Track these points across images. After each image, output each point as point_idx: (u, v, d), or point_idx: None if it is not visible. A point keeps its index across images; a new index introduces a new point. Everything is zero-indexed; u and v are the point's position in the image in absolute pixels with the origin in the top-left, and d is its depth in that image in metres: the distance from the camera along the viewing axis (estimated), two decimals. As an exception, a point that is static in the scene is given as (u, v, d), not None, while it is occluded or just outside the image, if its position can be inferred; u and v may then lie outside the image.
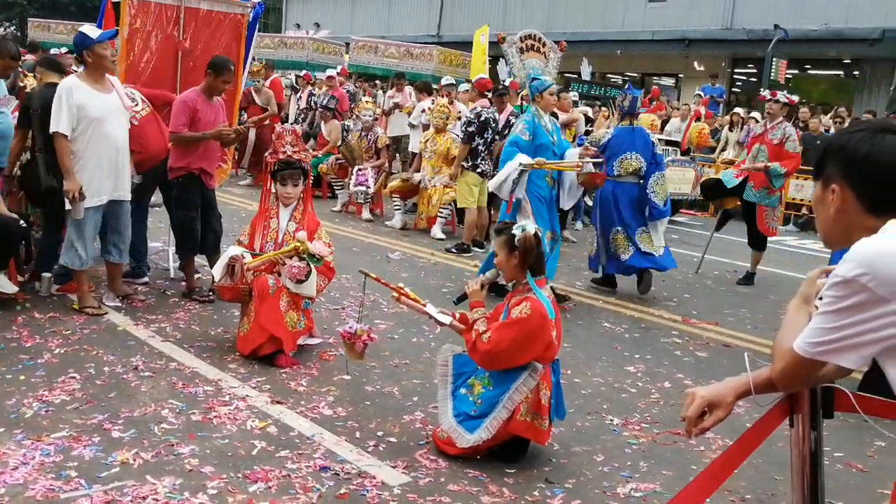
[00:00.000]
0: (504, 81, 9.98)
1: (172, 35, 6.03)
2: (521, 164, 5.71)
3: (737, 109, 12.79)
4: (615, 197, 6.43)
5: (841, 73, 19.88)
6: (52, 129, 4.72)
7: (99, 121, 4.82)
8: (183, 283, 5.68)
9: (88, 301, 5.02)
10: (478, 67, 11.86)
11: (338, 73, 13.19)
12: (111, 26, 5.72)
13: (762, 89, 10.62)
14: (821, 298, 1.55)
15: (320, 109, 11.03)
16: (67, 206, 4.77)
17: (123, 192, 5.06)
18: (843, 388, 1.79)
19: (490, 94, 8.86)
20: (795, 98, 7.98)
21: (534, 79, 6.29)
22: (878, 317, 1.41)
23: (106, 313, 5.00)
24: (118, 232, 5.16)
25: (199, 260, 5.81)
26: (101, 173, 4.88)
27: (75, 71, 5.85)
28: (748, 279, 7.53)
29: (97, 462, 3.10)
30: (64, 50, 10.49)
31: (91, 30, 4.95)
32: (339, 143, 10.66)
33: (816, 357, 1.52)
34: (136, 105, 5.41)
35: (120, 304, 5.22)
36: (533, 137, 5.89)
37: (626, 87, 7.34)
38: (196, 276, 5.71)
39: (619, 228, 6.41)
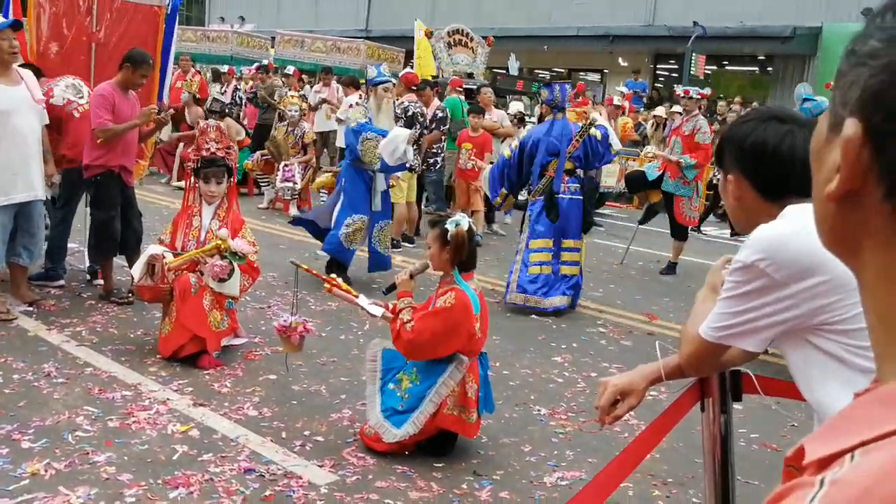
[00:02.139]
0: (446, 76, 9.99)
1: (85, 26, 5.76)
2: None
3: (658, 111, 13.05)
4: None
5: (756, 68, 20.69)
6: None
7: (3, 115, 4.56)
8: (99, 285, 5.46)
9: (-5, 305, 4.76)
10: (427, 62, 11.82)
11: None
12: (18, 15, 5.40)
13: (677, 85, 10.96)
14: (724, 284, 1.60)
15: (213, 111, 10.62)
16: None
17: (35, 191, 4.80)
18: (748, 372, 1.86)
19: (416, 88, 8.83)
20: (707, 91, 8.30)
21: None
22: (777, 301, 1.46)
23: (15, 318, 4.75)
24: (29, 233, 4.90)
25: (118, 260, 5.60)
26: (9, 171, 4.62)
27: None
28: (670, 269, 7.76)
29: (5, 474, 2.95)
30: None
31: None
32: (241, 136, 10.39)
33: (720, 341, 1.57)
34: (82, 98, 5.17)
35: (30, 309, 4.97)
36: None
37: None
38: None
39: None
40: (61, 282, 5.55)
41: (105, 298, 5.28)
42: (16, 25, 4.74)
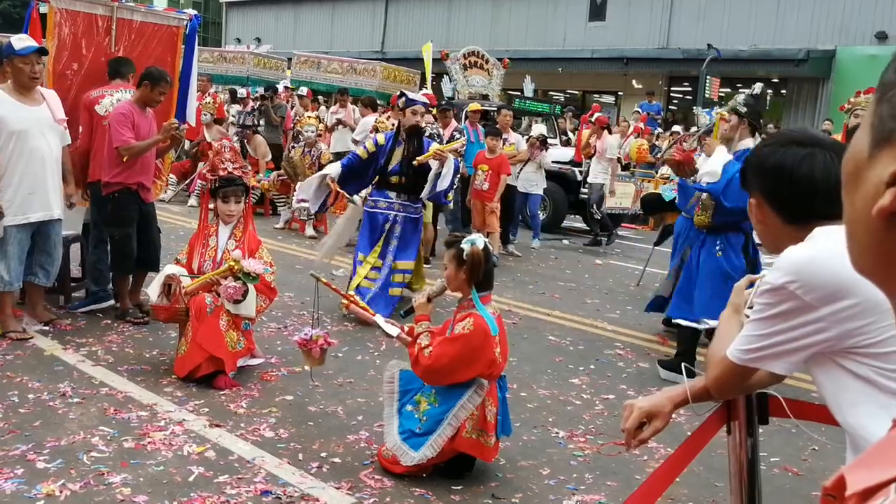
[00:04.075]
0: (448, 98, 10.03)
1: (104, 46, 5.82)
2: None
3: (675, 128, 13.13)
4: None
5: (769, 91, 20.69)
6: None
7: (21, 134, 4.58)
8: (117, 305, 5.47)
9: (12, 325, 4.75)
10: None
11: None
12: (37, 36, 5.46)
13: (696, 107, 10.96)
14: (751, 307, 1.57)
15: (240, 128, 10.73)
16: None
17: (52, 211, 4.81)
18: (776, 395, 1.82)
19: (434, 110, 8.88)
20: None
21: None
22: (807, 323, 1.44)
23: (31, 337, 4.76)
24: (46, 253, 4.91)
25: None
26: (26, 190, 4.64)
27: None
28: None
29: (19, 496, 2.93)
30: None
31: (20, 40, 4.68)
32: (269, 157, 10.52)
33: (748, 364, 1.54)
34: None
35: (46, 328, 4.97)
36: None
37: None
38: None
39: None
40: (111, 301, 5.50)
41: (121, 318, 5.27)
42: (42, 51, 4.79)
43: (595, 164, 10.43)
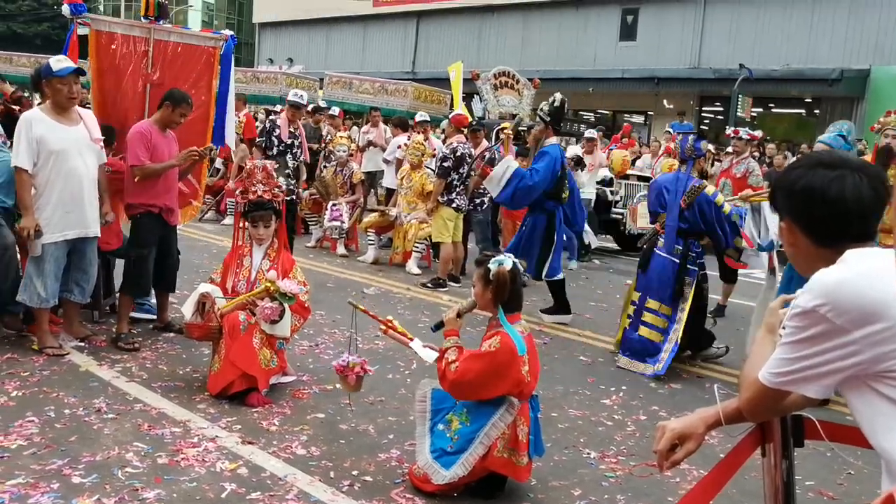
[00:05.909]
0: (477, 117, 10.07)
1: (141, 67, 5.93)
2: None
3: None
4: None
5: (802, 111, 20.47)
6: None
7: (60, 154, 4.67)
8: (149, 322, 5.55)
9: (48, 341, 4.83)
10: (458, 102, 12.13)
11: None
12: (75, 57, 5.56)
13: (728, 126, 10.90)
14: (784, 328, 1.56)
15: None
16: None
17: (88, 229, 4.88)
18: (811, 417, 1.80)
19: (466, 130, 8.94)
20: (758, 133, 8.24)
21: None
22: (839, 347, 1.42)
23: (67, 353, 4.83)
24: (82, 270, 4.97)
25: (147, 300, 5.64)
26: (64, 208, 4.73)
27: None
28: (719, 311, 7.60)
29: (57, 509, 2.99)
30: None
31: (58, 61, 4.78)
32: (304, 176, 10.60)
33: (780, 387, 1.53)
34: None
35: (82, 344, 5.04)
36: None
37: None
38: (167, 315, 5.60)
39: None
40: (153, 315, 5.63)
41: (113, 342, 5.12)
42: (79, 72, 4.91)
43: (586, 178, 10.41)
